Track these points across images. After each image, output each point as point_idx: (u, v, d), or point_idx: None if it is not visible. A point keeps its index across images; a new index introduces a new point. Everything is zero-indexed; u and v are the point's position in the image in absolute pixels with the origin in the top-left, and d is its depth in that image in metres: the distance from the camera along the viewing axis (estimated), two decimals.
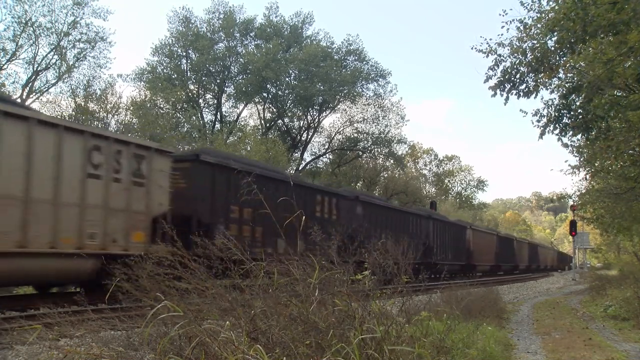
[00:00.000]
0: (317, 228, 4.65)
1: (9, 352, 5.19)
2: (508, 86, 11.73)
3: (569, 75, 13.35)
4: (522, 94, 11.82)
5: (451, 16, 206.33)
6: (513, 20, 11.84)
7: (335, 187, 26.89)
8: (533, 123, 13.23)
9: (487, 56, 11.78)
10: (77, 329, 4.38)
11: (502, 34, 12.81)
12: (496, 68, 11.75)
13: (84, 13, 27.30)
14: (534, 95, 11.93)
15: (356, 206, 19.76)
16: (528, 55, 11.36)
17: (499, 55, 11.76)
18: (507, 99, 11.75)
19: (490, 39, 11.93)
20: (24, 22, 25.96)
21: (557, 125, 13.18)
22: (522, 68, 11.57)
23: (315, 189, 17.42)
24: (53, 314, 4.62)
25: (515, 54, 11.59)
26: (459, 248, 29.89)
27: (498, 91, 11.75)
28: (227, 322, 3.77)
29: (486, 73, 11.75)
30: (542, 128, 12.97)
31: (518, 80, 11.71)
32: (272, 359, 3.51)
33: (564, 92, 13.10)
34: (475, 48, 11.98)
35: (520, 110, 13.38)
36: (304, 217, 4.57)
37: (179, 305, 3.84)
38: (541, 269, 56.51)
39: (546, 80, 12.10)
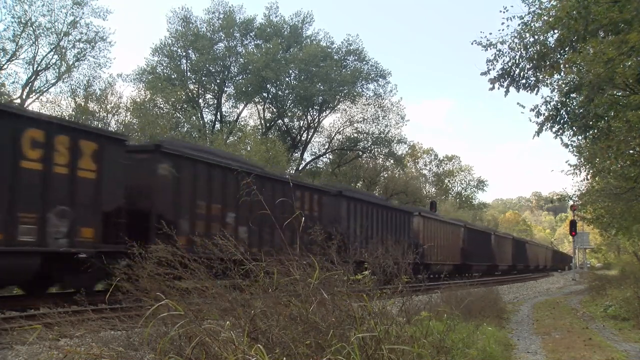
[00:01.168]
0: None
1: (9, 352, 5.19)
2: (508, 80, 11.75)
3: (569, 75, 13.36)
4: (521, 87, 11.83)
5: (452, 16, 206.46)
6: (514, 16, 11.86)
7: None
8: (531, 120, 13.26)
9: (486, 50, 11.79)
10: (77, 329, 4.37)
11: (502, 29, 12.73)
12: (495, 62, 11.77)
13: (83, 13, 27.38)
14: (534, 91, 11.95)
15: (158, 163, 11.65)
16: (529, 50, 11.36)
17: (499, 51, 11.78)
18: (507, 91, 11.76)
19: (490, 33, 11.94)
20: (23, 22, 25.99)
21: (554, 124, 13.20)
22: (522, 63, 11.57)
23: (58, 125, 9.78)
24: (53, 314, 4.62)
25: (516, 49, 11.61)
26: (400, 242, 19.30)
27: (497, 85, 11.76)
28: (227, 322, 3.77)
29: (486, 64, 11.77)
30: (539, 125, 12.99)
31: (518, 76, 11.73)
32: (272, 359, 3.51)
33: (565, 90, 13.11)
34: (475, 42, 11.98)
35: (518, 103, 13.43)
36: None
37: (179, 305, 3.84)
38: (531, 269, 49.98)
39: (547, 78, 12.11)
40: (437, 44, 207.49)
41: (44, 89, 27.78)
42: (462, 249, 30.26)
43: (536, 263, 53.59)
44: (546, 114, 13.02)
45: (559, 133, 13.73)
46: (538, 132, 12.89)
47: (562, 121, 13.26)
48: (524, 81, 11.78)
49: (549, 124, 13.04)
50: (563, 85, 13.43)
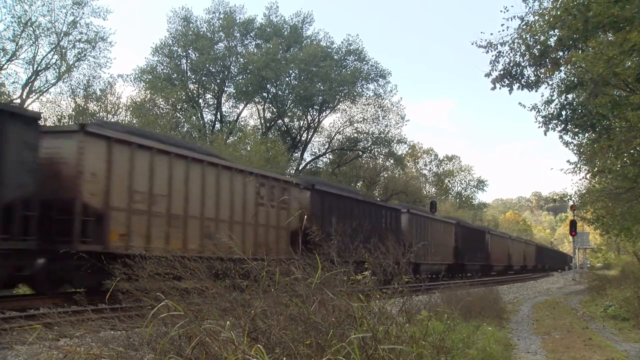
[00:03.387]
0: None
1: (9, 352, 5.19)
2: (509, 80, 11.79)
3: (569, 74, 13.37)
4: (523, 85, 11.88)
5: (454, 17, 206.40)
6: (514, 17, 11.86)
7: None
8: (536, 119, 13.31)
9: (487, 52, 11.81)
10: (77, 329, 4.37)
11: (502, 30, 12.73)
12: (497, 64, 11.80)
13: (83, 13, 27.37)
14: (534, 89, 12.00)
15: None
16: (530, 49, 11.37)
17: (499, 52, 11.79)
18: (510, 89, 11.82)
19: (491, 34, 12.01)
20: (23, 22, 25.98)
21: (560, 123, 13.27)
22: (523, 61, 11.60)
23: None
24: (53, 314, 4.62)
25: (516, 49, 11.63)
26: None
27: (499, 85, 11.80)
28: (227, 322, 3.77)
29: (489, 65, 11.83)
30: (545, 125, 13.06)
31: (519, 75, 11.76)
32: (272, 359, 3.51)
33: (563, 88, 13.14)
34: (476, 43, 11.99)
35: (520, 103, 13.52)
36: None
37: (179, 305, 3.84)
38: (496, 270, 36.93)
39: (548, 75, 12.12)
40: (441, 45, 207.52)
41: (44, 89, 27.79)
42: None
43: (506, 262, 39.19)
44: (551, 112, 13.13)
45: (564, 132, 13.85)
46: (545, 132, 13.08)
47: (566, 120, 13.33)
48: (524, 80, 11.82)
49: (555, 122, 13.14)
50: (562, 84, 13.44)
